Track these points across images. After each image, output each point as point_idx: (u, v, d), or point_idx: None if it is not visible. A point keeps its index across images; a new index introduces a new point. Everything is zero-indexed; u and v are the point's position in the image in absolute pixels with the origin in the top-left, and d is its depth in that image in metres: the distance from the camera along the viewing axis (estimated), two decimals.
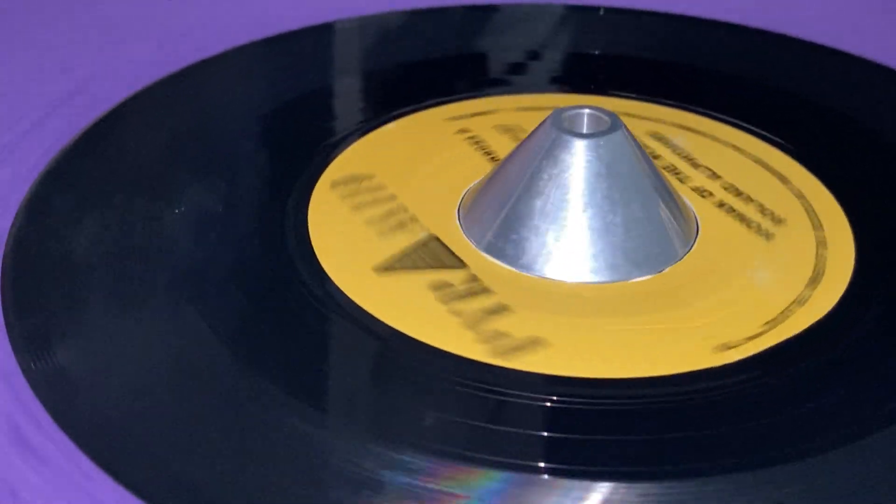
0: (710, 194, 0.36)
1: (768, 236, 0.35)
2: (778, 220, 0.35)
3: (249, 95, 0.42)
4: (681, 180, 0.37)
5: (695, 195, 0.36)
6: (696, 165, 0.38)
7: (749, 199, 0.36)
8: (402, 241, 0.34)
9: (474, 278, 0.33)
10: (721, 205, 0.36)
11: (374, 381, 0.31)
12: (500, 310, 0.32)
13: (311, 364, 0.30)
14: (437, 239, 0.34)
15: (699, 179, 0.37)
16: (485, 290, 0.32)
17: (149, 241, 0.34)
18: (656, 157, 0.38)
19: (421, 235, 0.34)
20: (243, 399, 0.29)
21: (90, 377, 0.29)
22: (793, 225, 0.35)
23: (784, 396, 0.30)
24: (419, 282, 0.33)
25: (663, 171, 0.36)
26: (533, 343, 0.31)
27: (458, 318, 0.31)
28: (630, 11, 0.48)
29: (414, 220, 0.35)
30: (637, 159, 0.34)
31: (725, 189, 0.37)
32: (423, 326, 0.31)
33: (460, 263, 0.33)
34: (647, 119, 0.40)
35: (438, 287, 0.32)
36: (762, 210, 0.36)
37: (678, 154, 0.38)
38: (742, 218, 0.35)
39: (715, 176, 0.37)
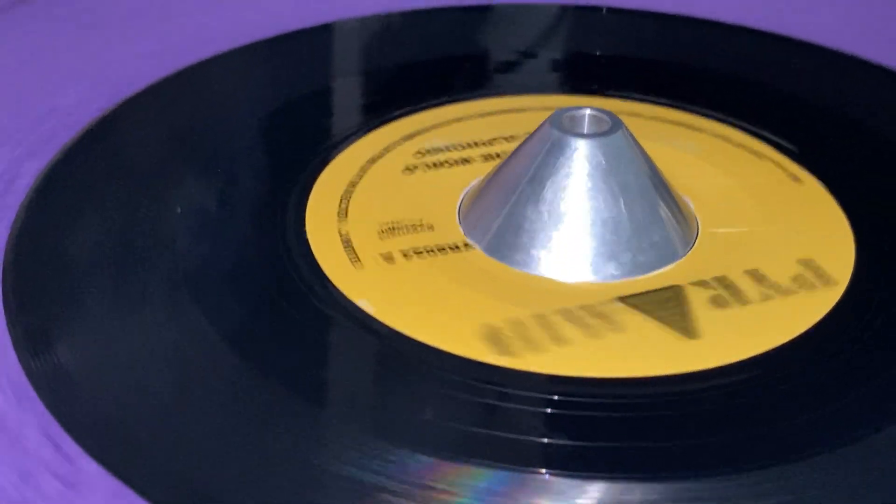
0: None
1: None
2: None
3: (249, 95, 0.42)
4: None
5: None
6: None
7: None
8: (576, 332, 0.31)
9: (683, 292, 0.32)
10: None
11: (374, 380, 0.31)
12: (723, 300, 0.32)
13: (311, 364, 0.30)
14: (581, 308, 0.32)
15: None
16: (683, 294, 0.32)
17: (149, 241, 0.34)
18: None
19: (572, 305, 0.32)
20: (243, 398, 0.29)
21: (91, 376, 0.29)
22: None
23: (784, 397, 0.30)
24: (649, 323, 0.32)
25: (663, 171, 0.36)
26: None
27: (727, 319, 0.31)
28: (630, 11, 0.48)
29: (566, 312, 0.32)
30: (638, 159, 0.34)
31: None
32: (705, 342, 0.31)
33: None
34: (647, 119, 0.40)
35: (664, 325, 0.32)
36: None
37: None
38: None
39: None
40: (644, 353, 0.31)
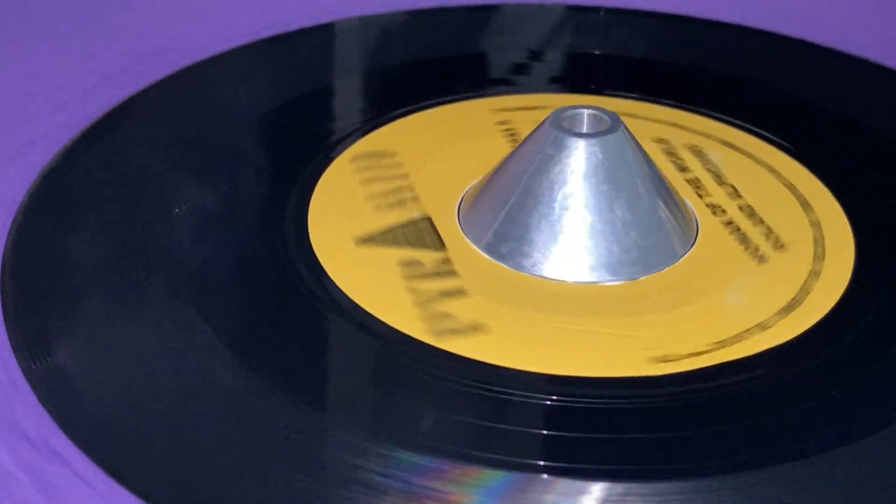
0: (723, 212, 0.36)
1: (761, 259, 0.34)
2: (780, 246, 0.35)
3: (249, 95, 0.42)
4: (699, 195, 0.37)
5: (707, 211, 0.36)
6: (720, 182, 0.37)
7: (759, 220, 0.36)
8: (393, 218, 0.35)
9: (446, 261, 0.33)
10: (729, 223, 0.35)
11: (374, 381, 0.31)
12: (455, 293, 0.32)
13: (311, 364, 0.30)
14: (430, 220, 0.35)
15: (717, 195, 0.37)
16: (450, 273, 0.33)
17: (149, 241, 0.34)
18: (684, 169, 0.37)
19: (415, 214, 0.35)
20: (243, 399, 0.29)
21: (90, 377, 0.29)
22: (794, 249, 0.35)
23: (783, 396, 0.30)
24: (392, 257, 0.33)
25: (663, 171, 0.36)
26: (473, 328, 0.31)
27: (412, 296, 0.32)
28: (630, 11, 0.48)
29: (416, 199, 0.35)
30: (637, 159, 0.34)
31: (740, 208, 0.36)
32: (375, 299, 0.32)
33: (440, 246, 0.34)
34: (646, 119, 0.40)
35: (408, 264, 0.33)
36: (767, 234, 0.35)
37: (707, 168, 0.38)
38: (744, 239, 0.35)
39: (735, 194, 0.37)
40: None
